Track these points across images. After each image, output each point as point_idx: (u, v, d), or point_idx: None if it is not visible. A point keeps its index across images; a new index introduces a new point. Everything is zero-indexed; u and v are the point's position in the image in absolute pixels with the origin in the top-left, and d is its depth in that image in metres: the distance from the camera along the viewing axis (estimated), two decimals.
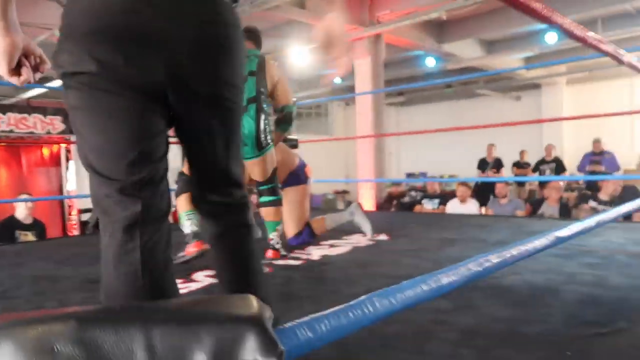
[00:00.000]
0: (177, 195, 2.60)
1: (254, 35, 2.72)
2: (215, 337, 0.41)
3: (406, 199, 6.74)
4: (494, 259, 0.76)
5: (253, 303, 0.44)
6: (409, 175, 12.60)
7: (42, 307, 1.76)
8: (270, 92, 2.56)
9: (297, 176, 2.95)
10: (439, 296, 0.67)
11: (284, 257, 2.55)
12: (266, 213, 2.57)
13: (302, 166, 3.00)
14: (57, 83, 8.53)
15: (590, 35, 1.14)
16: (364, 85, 6.72)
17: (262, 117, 2.43)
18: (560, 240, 0.96)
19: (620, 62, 1.44)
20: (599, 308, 1.58)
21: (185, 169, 2.53)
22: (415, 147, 13.08)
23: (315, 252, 2.68)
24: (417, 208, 6.15)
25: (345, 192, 12.36)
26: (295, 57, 7.41)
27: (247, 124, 2.39)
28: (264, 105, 2.46)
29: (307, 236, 2.93)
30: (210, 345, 0.41)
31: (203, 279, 2.14)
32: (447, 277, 0.64)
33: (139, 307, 0.49)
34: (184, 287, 1.99)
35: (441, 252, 2.60)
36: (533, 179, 7.56)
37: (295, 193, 2.90)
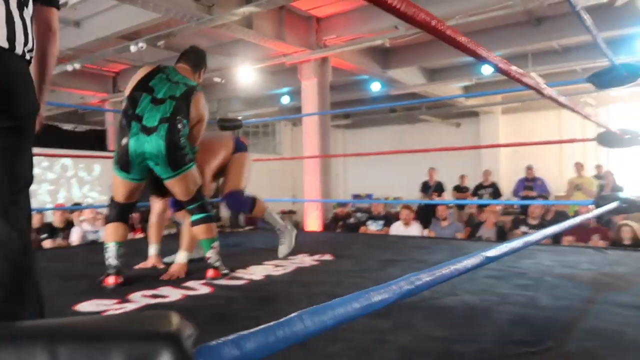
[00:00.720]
0: (106, 222, 2.51)
1: (192, 57, 2.70)
2: (125, 355, 0.38)
3: (352, 220, 6.82)
4: (425, 277, 0.78)
5: (172, 320, 0.42)
6: (355, 196, 12.79)
7: None
8: (190, 127, 2.49)
9: (239, 146, 3.07)
10: (370, 313, 0.68)
11: (225, 275, 2.50)
12: (198, 232, 2.51)
13: (239, 140, 3.14)
14: None
15: (514, 69, 1.22)
16: (311, 106, 6.81)
17: (176, 136, 2.34)
18: (489, 260, 1.01)
19: (541, 94, 1.54)
20: (529, 328, 1.65)
21: (118, 196, 2.47)
22: (361, 169, 13.33)
23: (258, 272, 2.65)
24: (362, 229, 6.23)
25: (292, 212, 12.34)
26: (243, 76, 7.41)
27: (155, 144, 2.30)
28: (179, 126, 2.37)
29: (243, 201, 2.98)
30: None
31: (140, 299, 2.06)
32: (378, 295, 0.65)
33: (43, 323, 0.45)
34: (119, 309, 1.90)
35: (383, 273, 2.64)
36: (473, 202, 7.88)
37: (239, 157, 3.01)
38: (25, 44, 1.26)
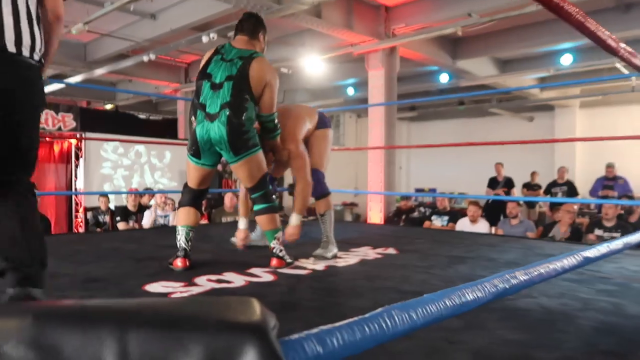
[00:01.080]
0: (179, 206, 2.57)
1: (247, 25, 2.57)
2: (205, 347, 0.32)
3: (415, 214, 6.66)
4: (521, 275, 0.69)
5: (255, 308, 0.36)
6: (418, 190, 12.50)
7: None
8: (257, 96, 2.44)
9: (324, 121, 2.97)
10: (462, 313, 0.60)
11: (289, 264, 2.49)
12: (260, 222, 2.51)
13: (323, 114, 3.03)
14: (77, 79, 8.60)
15: (623, 46, 1.08)
16: (377, 97, 6.69)
17: (236, 121, 2.32)
18: (588, 261, 0.90)
19: None
20: (617, 337, 1.50)
21: (191, 182, 2.52)
22: (425, 162, 13.01)
23: (320, 263, 2.62)
24: (426, 224, 6.06)
25: (353, 204, 12.29)
26: (309, 67, 7.40)
27: (218, 130, 2.32)
28: (241, 109, 2.35)
29: (323, 184, 2.91)
30: (199, 356, 0.33)
31: (205, 283, 2.09)
32: (471, 292, 0.58)
33: (115, 304, 0.39)
34: (185, 291, 1.93)
35: (451, 270, 2.52)
36: (548, 199, 7.45)
37: (322, 134, 2.93)
38: (33, 47, 1.46)
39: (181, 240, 2.43)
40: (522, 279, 0.68)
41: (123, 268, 2.44)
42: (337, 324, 0.44)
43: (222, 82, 2.35)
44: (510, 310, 1.73)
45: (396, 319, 0.48)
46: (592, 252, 0.90)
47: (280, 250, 2.48)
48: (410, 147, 12.85)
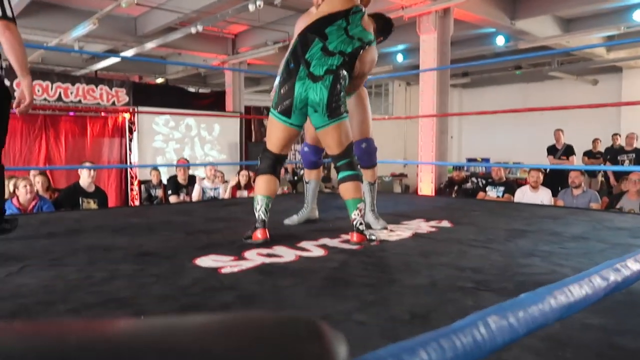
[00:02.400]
0: (258, 173, 2.47)
1: (381, 23, 2.69)
2: None
3: (468, 185, 6.41)
4: (634, 264, 0.56)
5: (323, 333, 0.24)
6: (470, 160, 12.09)
7: (92, 277, 1.72)
8: (352, 79, 2.53)
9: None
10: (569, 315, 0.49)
11: (371, 242, 2.35)
12: (344, 190, 2.40)
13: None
14: (128, 53, 8.76)
15: None
16: (429, 62, 6.39)
17: (337, 88, 2.34)
18: None
19: None
20: None
21: (272, 145, 2.44)
22: (477, 131, 12.53)
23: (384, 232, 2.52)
24: (480, 195, 5.82)
25: (403, 175, 12.06)
26: None
27: (319, 92, 2.30)
28: (342, 80, 2.37)
29: (375, 152, 2.84)
30: None
31: (255, 257, 2.04)
32: (579, 288, 0.46)
33: (100, 340, 0.25)
34: (235, 266, 1.89)
35: (511, 244, 2.37)
36: (615, 168, 6.98)
37: (362, 93, 2.86)
38: None
39: (260, 211, 2.35)
40: (635, 268, 0.55)
41: (174, 241, 2.44)
42: (419, 337, 0.34)
43: (334, 52, 2.36)
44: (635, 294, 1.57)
45: (493, 327, 0.37)
46: None
47: (361, 224, 2.36)
48: (464, 114, 12.37)
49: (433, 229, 2.78)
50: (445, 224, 2.94)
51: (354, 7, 2.44)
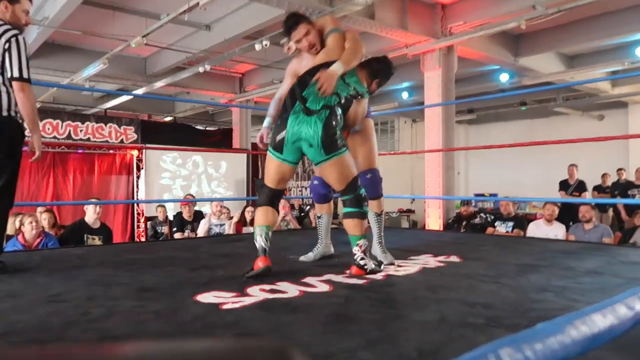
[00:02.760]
0: (257, 206, 2.53)
1: (375, 64, 2.65)
2: None
3: (477, 221, 6.32)
4: None
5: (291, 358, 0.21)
6: (478, 195, 12.01)
7: (89, 313, 1.67)
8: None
9: (369, 109, 2.85)
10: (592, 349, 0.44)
11: (372, 272, 2.34)
12: (346, 225, 2.40)
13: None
14: (138, 92, 8.93)
15: None
16: (434, 99, 6.44)
17: (334, 122, 2.35)
18: None
19: None
20: None
21: (269, 180, 2.46)
22: (484, 167, 12.50)
23: (379, 272, 2.46)
24: (489, 230, 5.73)
25: (410, 211, 11.96)
26: None
27: (313, 125, 2.31)
28: (338, 116, 2.40)
29: (381, 183, 2.79)
30: None
31: (258, 293, 1.98)
32: (602, 317, 0.41)
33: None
34: (237, 302, 1.84)
35: (523, 279, 2.29)
36: (629, 201, 6.89)
37: (369, 125, 2.82)
38: (9, 107, 2.40)
39: (261, 240, 2.36)
40: None
41: (176, 277, 2.39)
42: None
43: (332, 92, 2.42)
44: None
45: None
46: None
47: (362, 259, 2.34)
48: (469, 148, 12.37)
49: (441, 264, 2.71)
50: (454, 259, 2.87)
51: None
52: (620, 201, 7.54)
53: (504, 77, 8.51)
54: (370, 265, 2.38)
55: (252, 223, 5.68)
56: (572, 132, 10.82)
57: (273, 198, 2.47)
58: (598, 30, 6.71)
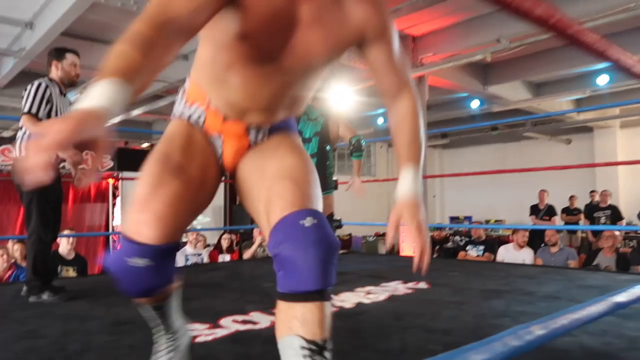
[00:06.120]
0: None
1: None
2: None
3: (449, 245, 6.48)
4: (538, 329, 0.63)
5: None
6: (453, 219, 12.24)
7: (65, 349, 1.72)
8: (338, 136, 3.27)
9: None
10: None
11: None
12: None
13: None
14: (115, 120, 8.93)
15: None
16: None
17: (324, 165, 3.01)
18: (619, 306, 0.83)
19: None
20: None
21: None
22: (459, 190, 12.76)
23: (349, 299, 2.55)
24: (461, 254, 5.88)
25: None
26: (337, 98, 7.45)
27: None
28: (325, 156, 3.06)
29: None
30: None
31: (230, 324, 2.06)
32: (478, 355, 0.52)
33: None
34: (209, 334, 1.91)
35: (484, 304, 2.42)
36: (590, 227, 7.15)
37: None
38: None
39: None
40: (537, 333, 0.62)
41: None
42: None
43: (310, 137, 3.03)
44: (547, 351, 1.62)
45: None
46: (623, 297, 0.82)
47: None
48: (440, 176, 12.64)
49: (410, 291, 2.82)
50: (423, 285, 2.98)
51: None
52: (577, 228, 7.78)
53: (474, 104, 8.81)
54: None
55: (228, 250, 5.71)
56: (541, 155, 11.19)
57: None
58: (562, 60, 7.05)
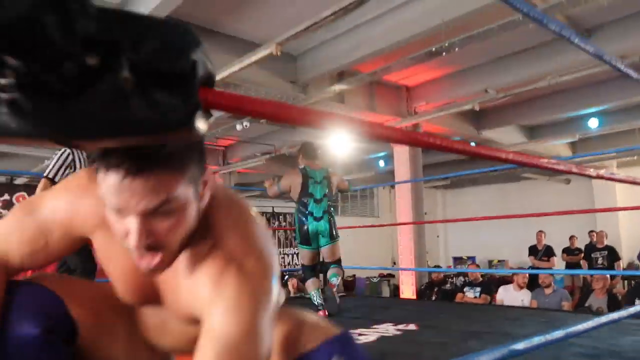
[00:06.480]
0: (306, 280, 3.81)
1: (312, 153, 3.92)
2: None
3: (447, 286, 6.63)
4: None
5: None
6: (457, 259, 12.34)
7: None
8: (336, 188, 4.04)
9: None
10: None
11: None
12: (329, 272, 3.82)
13: None
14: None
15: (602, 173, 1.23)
16: (403, 171, 6.93)
17: (332, 220, 3.81)
18: (515, 353, 1.04)
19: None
20: None
21: (306, 262, 3.82)
22: (462, 230, 12.91)
23: None
24: (459, 296, 6.03)
25: (391, 275, 12.19)
26: (337, 146, 7.78)
27: (323, 225, 3.75)
28: (332, 213, 3.85)
29: None
30: None
31: None
32: None
33: None
34: None
35: (464, 345, 2.60)
36: (584, 272, 7.28)
37: None
38: None
39: (318, 299, 3.63)
40: None
41: None
42: None
43: (322, 198, 3.80)
44: None
45: None
46: (522, 345, 1.03)
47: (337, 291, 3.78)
48: (439, 222, 12.84)
49: (398, 332, 3.01)
50: (411, 326, 3.17)
51: (305, 166, 3.84)
52: (575, 272, 7.89)
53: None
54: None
55: None
56: (541, 196, 11.39)
57: (313, 271, 3.82)
58: (552, 105, 7.37)
